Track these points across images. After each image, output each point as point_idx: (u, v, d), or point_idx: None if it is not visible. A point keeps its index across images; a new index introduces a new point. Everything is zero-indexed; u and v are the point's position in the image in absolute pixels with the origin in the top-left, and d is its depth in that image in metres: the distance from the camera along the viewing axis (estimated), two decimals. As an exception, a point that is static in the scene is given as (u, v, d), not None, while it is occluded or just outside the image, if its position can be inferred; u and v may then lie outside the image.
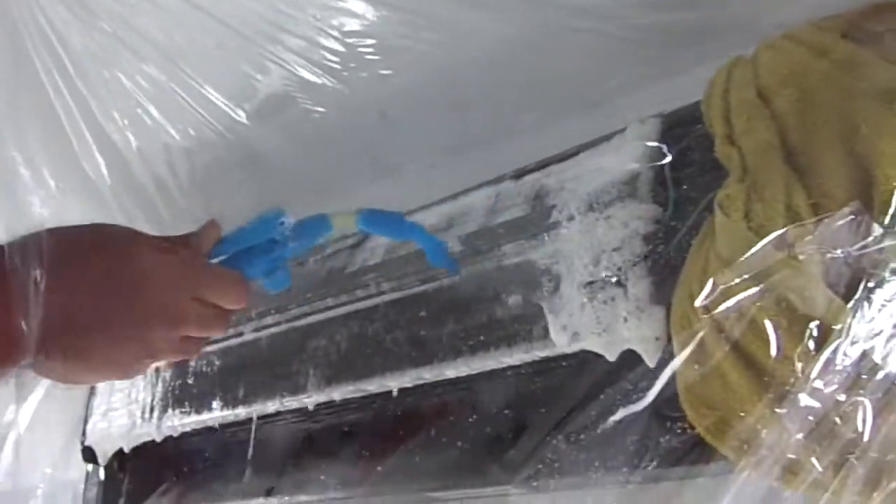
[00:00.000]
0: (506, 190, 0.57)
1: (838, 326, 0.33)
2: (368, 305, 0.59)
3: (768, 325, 0.35)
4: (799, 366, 0.34)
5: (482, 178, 0.59)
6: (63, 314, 0.37)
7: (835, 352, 0.34)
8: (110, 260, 0.39)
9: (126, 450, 0.74)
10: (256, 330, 0.68)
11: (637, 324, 0.42)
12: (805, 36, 0.38)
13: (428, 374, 0.54)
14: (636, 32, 0.53)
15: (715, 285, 0.36)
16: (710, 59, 0.45)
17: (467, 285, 0.53)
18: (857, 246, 0.33)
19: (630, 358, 0.42)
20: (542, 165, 0.55)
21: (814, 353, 0.34)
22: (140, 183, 0.67)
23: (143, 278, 0.39)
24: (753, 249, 0.34)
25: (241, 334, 0.68)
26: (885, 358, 0.33)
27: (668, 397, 0.39)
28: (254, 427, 0.68)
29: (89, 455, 0.76)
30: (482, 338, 0.51)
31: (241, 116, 0.61)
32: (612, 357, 0.44)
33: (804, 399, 0.34)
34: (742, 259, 0.35)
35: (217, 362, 0.70)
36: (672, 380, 0.39)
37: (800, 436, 0.35)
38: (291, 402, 0.63)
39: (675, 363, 0.38)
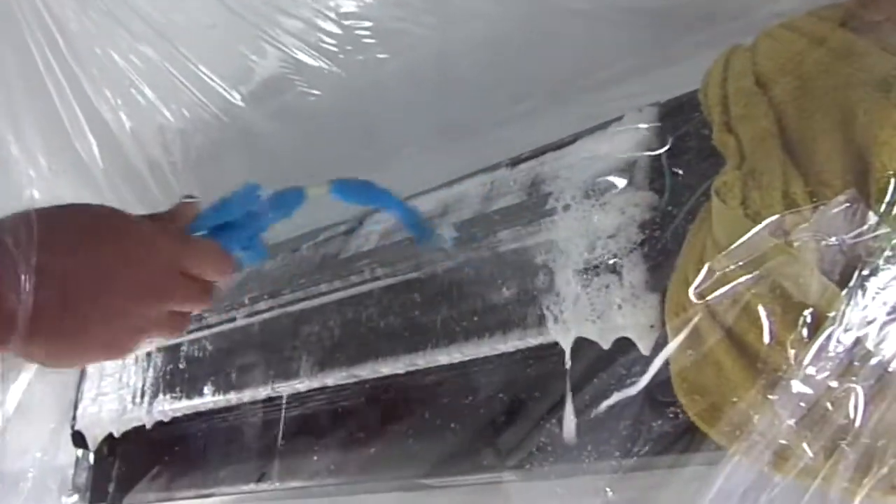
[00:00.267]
0: (501, 177, 0.57)
1: (832, 313, 0.33)
2: (362, 291, 0.59)
3: (762, 311, 0.35)
4: (792, 352, 0.35)
5: (477, 165, 0.59)
6: (54, 293, 0.37)
7: (828, 339, 0.34)
8: (97, 238, 0.39)
9: (116, 434, 0.73)
10: (249, 315, 0.67)
11: (632, 311, 0.42)
12: (804, 25, 0.38)
13: (421, 361, 0.54)
14: (634, 21, 0.53)
15: (710, 271, 0.36)
16: (708, 49, 0.46)
17: (462, 272, 0.53)
18: (852, 234, 0.33)
19: (624, 344, 0.42)
20: (538, 153, 0.55)
21: (807, 339, 0.34)
22: (133, 164, 0.66)
23: (128, 254, 0.39)
24: (748, 235, 0.34)
25: (233, 319, 0.68)
26: (877, 345, 0.34)
27: (661, 382, 0.39)
28: (245, 412, 0.68)
29: (79, 440, 0.76)
30: (476, 324, 0.50)
31: (237, 98, 0.60)
32: (606, 345, 0.44)
33: (797, 385, 0.35)
34: (737, 245, 0.35)
35: (209, 347, 0.69)
36: (665, 365, 0.39)
37: (792, 422, 0.35)
38: (284, 388, 0.63)
39: (669, 349, 0.39)
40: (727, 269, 0.36)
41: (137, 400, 0.72)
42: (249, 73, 0.59)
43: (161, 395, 0.70)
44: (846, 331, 0.34)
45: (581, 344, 0.44)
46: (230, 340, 0.68)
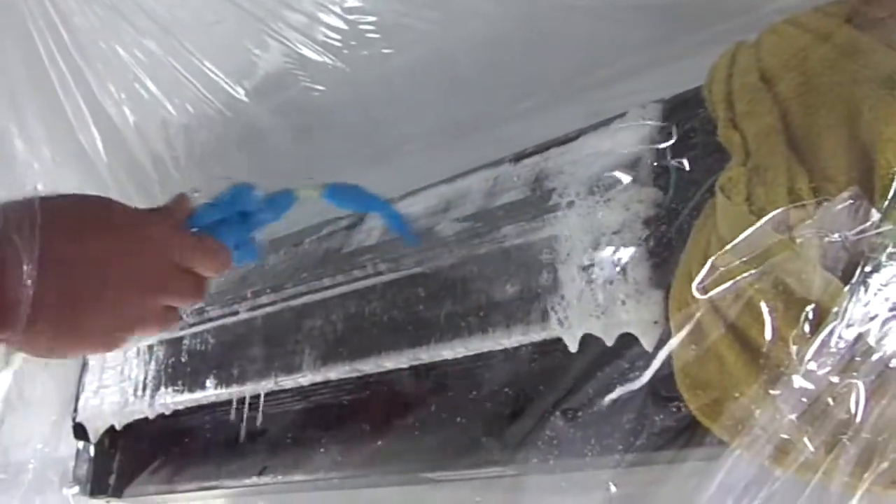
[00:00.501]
0: (504, 173, 0.57)
1: (835, 308, 0.33)
2: (365, 286, 0.59)
3: (764, 307, 0.35)
4: (794, 348, 0.35)
5: (481, 161, 0.59)
6: (54, 283, 0.37)
7: (830, 334, 0.34)
8: (96, 229, 0.40)
9: (118, 427, 0.73)
10: (251, 309, 0.67)
11: (636, 307, 0.43)
12: (808, 21, 0.38)
13: (424, 355, 0.54)
14: (637, 18, 0.53)
15: (713, 267, 0.37)
16: (712, 46, 0.46)
17: (465, 267, 0.53)
18: (855, 230, 0.34)
19: (628, 340, 0.42)
20: (542, 149, 0.55)
21: (809, 335, 0.34)
22: (136, 158, 0.66)
23: (126, 246, 0.40)
24: (751, 231, 0.35)
25: (236, 313, 0.68)
26: (879, 341, 0.34)
27: (664, 377, 0.40)
28: (247, 406, 0.68)
29: (80, 432, 0.76)
30: (480, 319, 0.51)
31: (240, 93, 0.60)
32: (609, 341, 0.44)
33: (798, 381, 0.35)
34: (741, 241, 0.35)
35: (211, 340, 0.70)
36: (668, 360, 0.40)
37: (793, 416, 0.35)
38: (286, 382, 0.63)
39: (672, 343, 0.39)
40: (730, 265, 0.36)
41: (139, 392, 0.72)
42: (253, 67, 0.59)
43: (163, 388, 0.70)
44: (848, 327, 0.34)
45: (585, 339, 0.44)
46: (233, 334, 0.68)
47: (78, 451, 0.77)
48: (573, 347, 0.44)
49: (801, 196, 0.34)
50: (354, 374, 0.59)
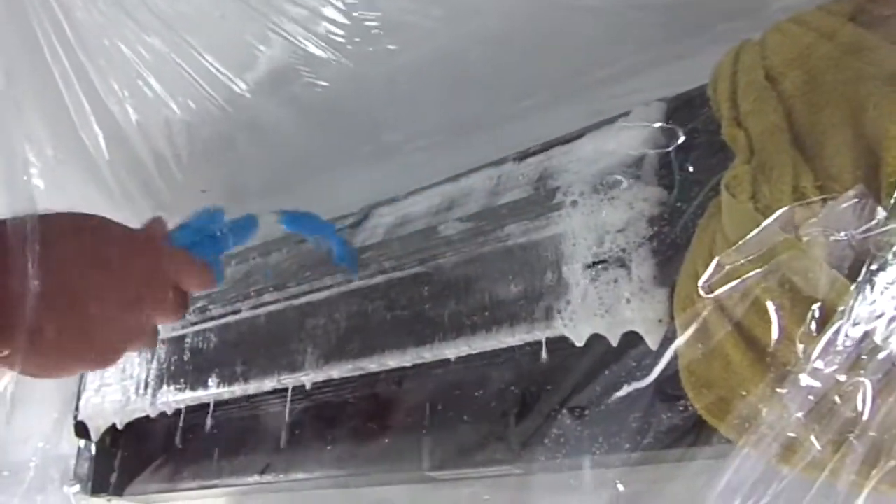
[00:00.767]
0: (508, 172, 0.57)
1: (841, 307, 0.33)
2: (369, 284, 0.59)
3: (770, 305, 0.35)
4: (800, 346, 0.35)
5: (484, 160, 0.59)
6: (60, 293, 0.38)
7: (836, 333, 0.34)
8: (98, 248, 0.41)
9: (119, 425, 0.73)
10: (254, 307, 0.67)
11: (640, 305, 0.43)
12: (813, 19, 0.38)
13: (428, 354, 0.54)
14: (642, 17, 0.53)
15: (719, 265, 0.37)
16: (716, 45, 0.45)
17: (469, 266, 0.53)
18: (861, 229, 0.34)
19: (634, 338, 0.42)
20: (545, 148, 0.55)
21: (815, 334, 0.34)
22: (139, 156, 0.66)
23: (128, 265, 0.42)
24: (758, 230, 0.35)
25: (238, 311, 0.68)
26: (886, 339, 0.34)
27: (670, 376, 0.40)
28: (250, 404, 0.68)
29: (82, 430, 0.76)
30: (484, 318, 0.51)
31: (243, 89, 0.60)
32: (614, 340, 0.44)
33: (805, 379, 0.35)
34: (747, 239, 0.35)
35: (214, 339, 0.69)
36: (675, 358, 0.40)
37: (800, 415, 0.35)
38: (289, 380, 0.63)
39: (678, 342, 0.39)
40: (736, 263, 0.36)
41: (141, 391, 0.72)
42: (256, 63, 0.58)
43: (165, 387, 0.70)
44: (854, 325, 0.34)
45: (591, 337, 0.44)
46: (235, 332, 0.68)
47: (79, 449, 0.77)
48: (579, 343, 0.44)
49: (806, 194, 0.34)
50: (357, 373, 0.59)
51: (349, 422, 0.62)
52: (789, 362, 0.35)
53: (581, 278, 0.46)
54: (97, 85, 0.61)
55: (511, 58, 0.57)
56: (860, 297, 0.34)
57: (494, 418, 0.49)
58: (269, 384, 0.64)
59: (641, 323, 0.43)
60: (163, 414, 0.71)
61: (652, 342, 0.42)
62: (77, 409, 0.76)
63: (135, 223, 0.46)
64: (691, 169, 0.44)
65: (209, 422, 0.71)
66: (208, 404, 0.69)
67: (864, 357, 0.34)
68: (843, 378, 0.34)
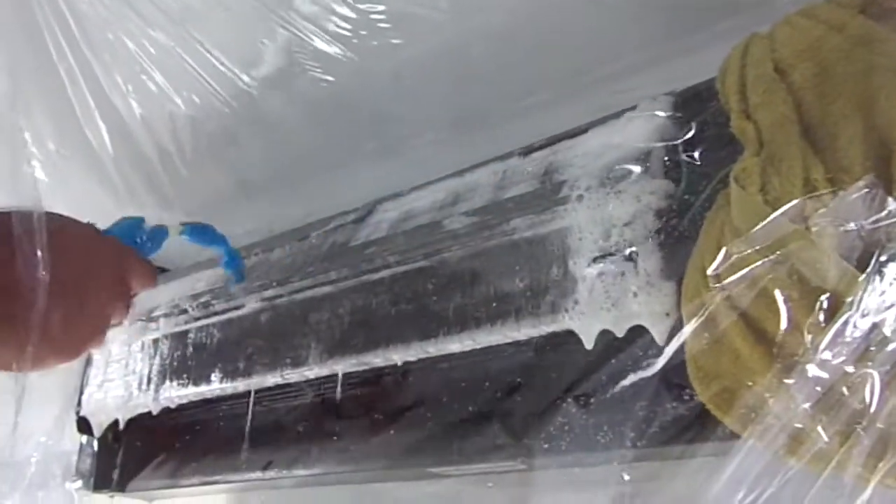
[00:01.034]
0: (513, 166, 0.57)
1: (850, 297, 0.33)
2: (372, 279, 0.59)
3: (779, 296, 0.35)
4: (808, 337, 0.35)
5: (490, 155, 0.59)
6: (63, 282, 0.41)
7: (845, 324, 0.34)
8: (89, 242, 0.47)
9: (122, 421, 0.73)
10: (257, 302, 0.67)
11: (647, 299, 0.43)
12: (822, 12, 0.38)
13: (432, 348, 0.54)
14: (649, 11, 0.53)
15: (727, 256, 0.37)
16: (723, 40, 0.45)
17: (474, 260, 0.53)
18: (870, 219, 0.34)
19: (639, 331, 0.42)
20: (551, 142, 0.55)
21: (823, 324, 0.34)
22: (143, 151, 0.66)
23: (110, 263, 0.47)
24: (766, 221, 0.35)
25: (241, 306, 0.68)
26: (895, 331, 0.34)
27: (677, 366, 0.40)
28: (252, 400, 0.68)
29: (84, 426, 0.75)
30: (489, 312, 0.51)
31: (248, 84, 0.60)
32: (620, 333, 0.44)
33: (812, 370, 0.35)
34: (756, 230, 0.35)
35: (217, 334, 0.69)
36: (682, 349, 0.40)
37: (807, 406, 0.35)
38: (292, 376, 0.63)
39: (685, 331, 0.39)
40: (744, 254, 0.36)
41: (144, 387, 0.72)
42: (261, 58, 0.58)
43: (168, 382, 0.70)
44: (863, 316, 0.34)
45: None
46: (238, 327, 0.68)
47: (81, 445, 0.77)
48: (588, 345, 0.44)
49: (816, 186, 0.34)
50: (361, 368, 0.59)
51: (351, 418, 0.61)
52: (797, 353, 0.35)
53: (587, 272, 0.46)
54: (101, 79, 0.61)
55: (516, 53, 0.57)
56: (869, 288, 0.34)
57: (499, 409, 0.48)
58: (271, 379, 0.64)
59: (648, 316, 0.42)
60: (166, 409, 0.71)
61: (658, 336, 0.42)
62: (79, 404, 0.76)
63: None
64: (699, 162, 0.44)
65: (212, 418, 0.71)
66: (211, 400, 0.69)
67: (872, 348, 0.34)
68: (851, 369, 0.34)
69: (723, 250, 0.36)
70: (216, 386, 0.67)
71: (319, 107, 0.62)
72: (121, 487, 0.75)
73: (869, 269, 0.34)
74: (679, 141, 0.45)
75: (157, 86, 0.61)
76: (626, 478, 0.42)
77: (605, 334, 0.44)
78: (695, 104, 0.46)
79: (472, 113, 0.61)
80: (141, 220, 0.52)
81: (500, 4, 0.54)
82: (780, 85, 0.37)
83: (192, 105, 0.62)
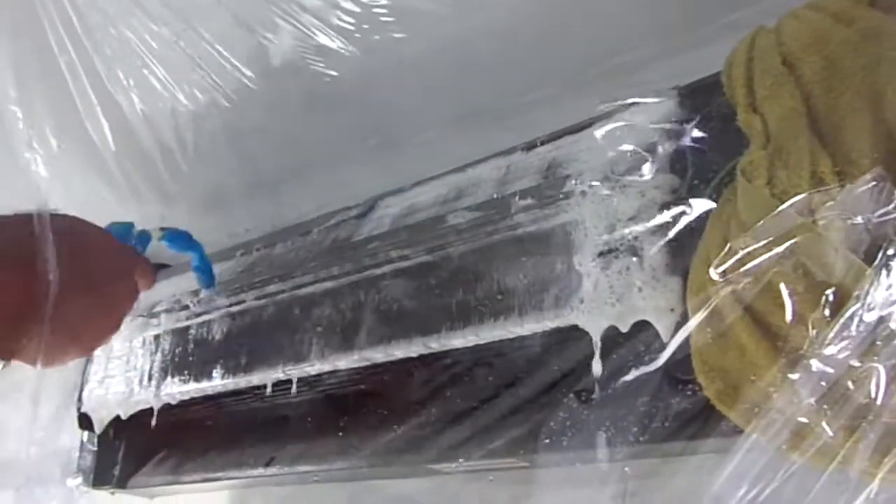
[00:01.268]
0: (517, 161, 0.57)
1: (857, 291, 0.33)
2: (375, 274, 0.59)
3: (784, 290, 0.35)
4: (814, 331, 0.35)
5: (492, 150, 0.58)
6: (77, 279, 0.43)
7: (850, 318, 0.34)
8: (105, 243, 0.50)
9: (123, 417, 0.73)
10: (259, 298, 0.67)
11: (652, 294, 0.43)
12: (830, 5, 0.38)
13: (435, 344, 0.54)
14: (655, 5, 0.53)
15: (733, 250, 0.37)
16: (731, 33, 0.45)
17: (477, 255, 0.53)
18: (878, 213, 0.34)
19: (644, 326, 0.42)
20: (555, 137, 0.55)
21: (829, 318, 0.34)
22: (144, 148, 0.66)
23: (125, 261, 0.51)
24: (774, 213, 0.35)
25: (242, 302, 0.68)
26: (902, 325, 0.34)
27: (680, 360, 0.40)
28: (254, 396, 0.68)
29: (85, 422, 0.75)
30: (492, 308, 0.50)
31: (251, 79, 0.60)
32: (624, 328, 0.44)
33: (817, 364, 0.35)
34: (762, 223, 0.35)
35: (218, 330, 0.69)
36: (685, 344, 0.39)
37: (812, 400, 0.35)
38: (294, 372, 0.62)
39: (689, 325, 0.39)
40: (750, 248, 0.36)
41: (145, 382, 0.71)
42: (264, 53, 0.58)
43: (169, 378, 0.70)
44: (869, 310, 0.34)
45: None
46: (240, 323, 0.68)
47: (82, 441, 0.77)
48: (595, 339, 0.43)
49: (824, 179, 0.34)
50: (363, 364, 0.58)
51: (353, 414, 0.61)
52: (802, 347, 0.35)
53: (592, 267, 0.46)
54: (103, 75, 0.60)
55: (520, 48, 0.57)
56: (876, 282, 0.33)
57: (501, 404, 0.48)
58: (273, 375, 0.64)
59: (653, 312, 0.42)
60: (167, 405, 0.71)
61: (663, 331, 0.42)
62: (80, 400, 0.76)
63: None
64: (704, 156, 0.44)
65: (213, 414, 0.71)
66: (213, 396, 0.68)
67: (878, 342, 0.34)
68: (856, 363, 0.34)
69: (728, 245, 0.36)
70: (218, 382, 0.67)
71: (322, 102, 0.62)
72: (121, 484, 0.75)
73: (876, 263, 0.33)
74: (684, 135, 0.45)
75: (160, 81, 0.61)
76: (628, 471, 0.42)
77: (607, 329, 0.44)
78: (700, 98, 0.46)
79: (476, 108, 0.61)
80: (131, 225, 0.55)
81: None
82: (788, 78, 0.37)
83: (194, 100, 0.62)
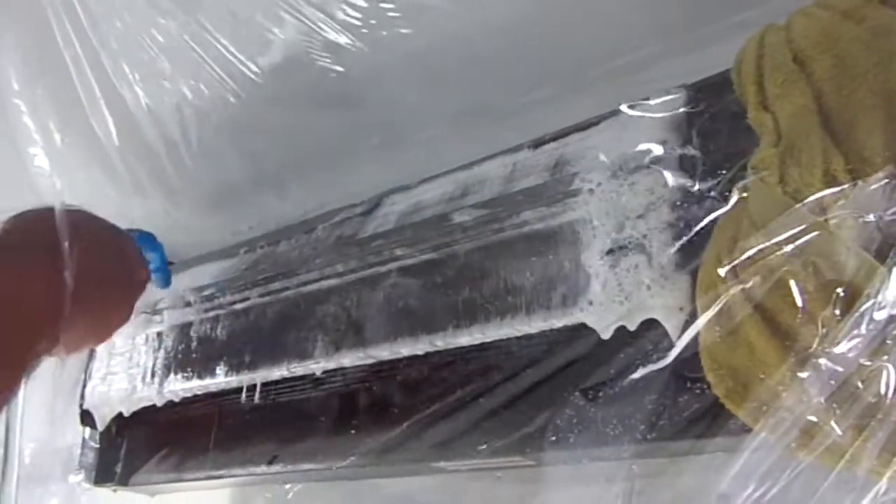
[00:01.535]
0: (523, 159, 0.56)
1: (868, 290, 0.33)
2: (381, 272, 0.59)
3: (794, 288, 0.35)
4: (823, 330, 0.35)
5: (498, 148, 0.58)
6: (97, 271, 0.46)
7: (861, 316, 0.34)
8: (116, 235, 0.52)
9: (126, 414, 0.73)
10: (263, 295, 0.67)
11: (661, 292, 0.42)
12: (840, 3, 0.38)
13: (440, 342, 0.53)
14: (661, 3, 0.53)
15: (743, 248, 0.36)
16: (738, 32, 0.45)
17: (484, 253, 0.53)
18: (890, 211, 0.34)
19: (652, 324, 0.42)
20: (562, 135, 0.55)
21: (839, 317, 0.34)
22: (149, 142, 0.65)
23: (134, 253, 0.53)
24: (787, 213, 0.34)
25: (246, 299, 0.67)
26: (912, 324, 0.34)
27: (688, 360, 0.39)
28: (257, 393, 0.67)
29: (87, 419, 0.75)
30: (499, 306, 0.50)
31: (257, 74, 0.60)
32: (632, 326, 0.43)
33: (827, 363, 0.35)
34: (774, 222, 0.35)
35: (221, 327, 0.69)
36: (693, 342, 0.39)
37: (821, 399, 0.35)
38: (298, 369, 0.62)
39: (699, 323, 0.38)
40: (760, 246, 0.36)
41: (148, 379, 0.71)
42: (270, 48, 0.58)
43: (172, 375, 0.70)
44: (880, 308, 0.34)
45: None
46: (244, 320, 0.67)
47: (84, 438, 0.77)
48: (605, 335, 0.43)
49: (836, 177, 0.34)
50: (369, 361, 0.58)
51: (358, 412, 0.61)
52: (812, 346, 0.35)
53: (600, 265, 0.45)
54: (108, 68, 0.60)
55: (527, 45, 0.57)
56: (887, 280, 0.33)
57: (508, 403, 0.48)
58: (277, 373, 0.64)
59: (661, 310, 0.42)
60: (170, 403, 0.70)
61: (672, 329, 0.42)
62: (82, 397, 0.76)
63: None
64: (713, 154, 0.43)
65: (216, 411, 0.70)
66: (216, 393, 0.68)
67: (888, 341, 0.34)
68: (866, 362, 0.34)
69: (739, 243, 0.36)
70: (221, 379, 0.67)
71: (328, 97, 0.62)
72: (123, 481, 0.75)
73: (888, 261, 0.33)
74: (693, 133, 0.45)
75: (165, 75, 0.61)
76: (635, 469, 0.42)
77: (620, 327, 0.43)
78: (709, 96, 0.46)
79: (483, 105, 0.60)
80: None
81: (510, -4, 0.53)
82: (799, 76, 0.37)
83: (199, 95, 0.62)
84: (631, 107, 0.50)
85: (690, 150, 0.44)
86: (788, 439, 0.36)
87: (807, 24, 0.39)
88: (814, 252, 0.34)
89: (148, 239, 0.58)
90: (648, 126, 0.47)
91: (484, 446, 0.50)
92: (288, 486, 0.69)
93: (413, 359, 0.56)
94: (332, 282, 0.62)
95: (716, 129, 0.44)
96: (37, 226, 0.43)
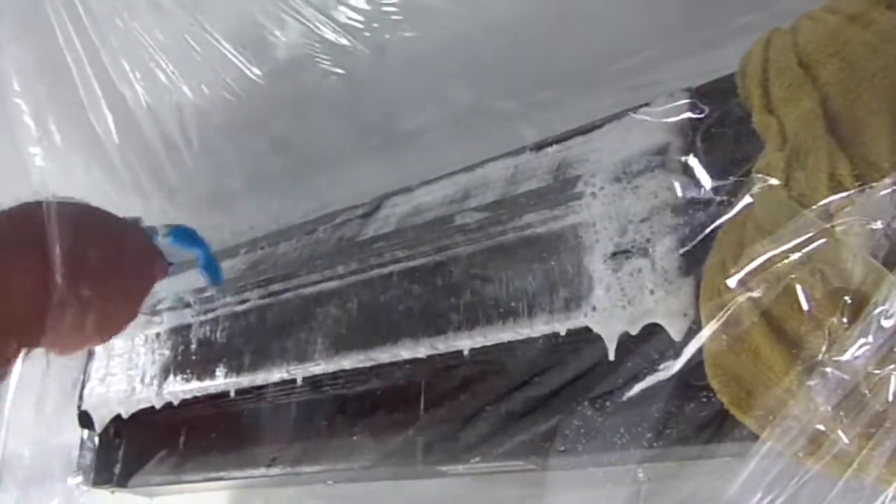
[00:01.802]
0: (525, 161, 0.56)
1: (876, 297, 0.33)
2: (382, 274, 0.59)
3: (801, 295, 0.35)
4: (830, 337, 0.34)
5: (500, 150, 0.58)
6: (101, 265, 0.45)
7: (869, 324, 0.34)
8: (123, 229, 0.50)
9: (124, 415, 0.72)
10: (263, 297, 0.66)
11: (664, 297, 0.42)
12: (847, 7, 0.38)
13: (442, 345, 0.53)
14: (664, 5, 0.53)
15: (749, 254, 0.36)
16: (742, 35, 0.45)
17: (485, 256, 0.53)
18: (898, 217, 0.33)
19: (656, 329, 0.42)
20: (564, 138, 0.55)
21: (846, 324, 0.34)
22: (149, 142, 0.65)
23: (143, 249, 0.51)
24: (794, 219, 0.34)
25: (246, 301, 0.67)
26: (920, 331, 0.33)
27: (694, 367, 0.39)
28: (257, 395, 0.67)
29: (85, 420, 0.75)
30: (501, 309, 0.50)
31: (258, 75, 0.60)
32: (634, 331, 0.43)
33: (834, 371, 0.34)
34: (781, 229, 0.35)
35: (221, 329, 0.69)
36: (699, 350, 0.39)
37: (828, 407, 0.35)
38: (298, 371, 0.62)
39: (704, 333, 0.38)
40: (767, 252, 0.36)
41: (147, 381, 0.71)
42: (272, 49, 0.58)
43: (171, 377, 0.69)
44: (888, 316, 0.33)
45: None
46: (244, 322, 0.67)
47: (82, 440, 0.76)
48: (609, 343, 0.43)
49: (842, 182, 0.33)
50: (369, 364, 0.58)
51: (358, 415, 0.61)
52: (819, 353, 0.35)
53: (603, 269, 0.45)
54: (109, 67, 0.60)
55: (529, 47, 0.57)
56: (895, 289, 0.33)
57: (513, 409, 0.48)
58: (277, 375, 0.63)
59: (664, 314, 0.42)
60: (168, 404, 0.70)
61: (675, 334, 0.41)
62: (81, 398, 0.75)
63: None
64: (717, 157, 0.43)
65: (215, 413, 0.70)
66: (215, 395, 0.68)
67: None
68: (874, 370, 0.34)
69: (745, 251, 0.36)
70: (221, 381, 0.66)
71: (329, 99, 0.61)
72: (122, 483, 0.74)
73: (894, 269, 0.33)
74: (697, 136, 0.44)
75: (166, 74, 0.60)
76: (641, 475, 0.42)
77: (624, 334, 0.43)
78: (713, 99, 0.46)
79: (485, 108, 0.60)
80: (139, 219, 0.54)
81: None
82: (804, 80, 0.36)
83: (200, 95, 0.62)
84: (635, 110, 0.50)
85: (694, 154, 0.44)
86: (796, 448, 0.36)
87: (813, 28, 0.38)
88: (821, 259, 0.34)
89: (188, 235, 0.56)
90: (652, 129, 0.47)
91: (485, 450, 0.50)
92: (287, 489, 0.69)
93: (414, 361, 0.56)
94: (333, 284, 0.62)
95: (720, 132, 0.44)
96: (21, 220, 0.42)
